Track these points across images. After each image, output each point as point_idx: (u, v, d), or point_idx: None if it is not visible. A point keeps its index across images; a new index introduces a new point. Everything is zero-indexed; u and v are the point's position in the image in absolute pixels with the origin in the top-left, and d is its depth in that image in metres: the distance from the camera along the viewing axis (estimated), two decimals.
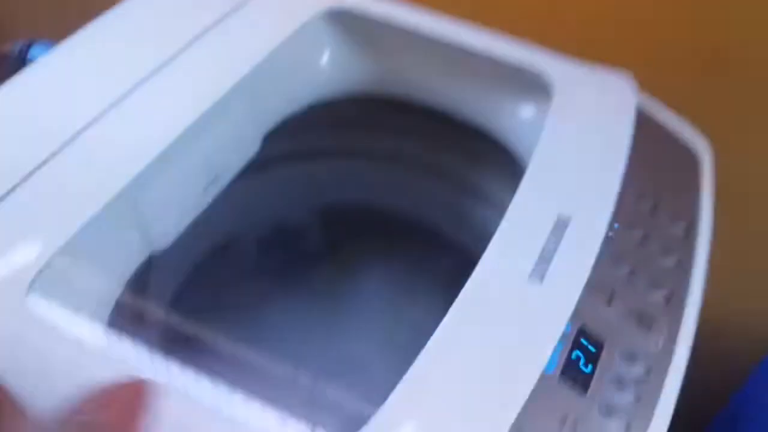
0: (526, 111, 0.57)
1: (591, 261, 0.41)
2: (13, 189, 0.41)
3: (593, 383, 0.39)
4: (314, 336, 0.62)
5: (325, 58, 0.60)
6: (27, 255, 0.38)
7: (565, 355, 0.39)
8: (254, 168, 0.57)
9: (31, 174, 0.42)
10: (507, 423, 0.33)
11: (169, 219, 0.49)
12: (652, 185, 0.52)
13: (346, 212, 0.70)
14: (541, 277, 0.40)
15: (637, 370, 0.41)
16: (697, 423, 0.90)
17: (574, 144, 0.50)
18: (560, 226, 0.43)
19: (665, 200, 0.52)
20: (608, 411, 0.38)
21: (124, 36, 0.53)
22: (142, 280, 0.50)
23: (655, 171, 0.54)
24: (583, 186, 0.47)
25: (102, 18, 0.54)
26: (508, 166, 0.63)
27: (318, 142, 0.67)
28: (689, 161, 0.57)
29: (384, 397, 0.34)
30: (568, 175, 0.47)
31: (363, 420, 0.34)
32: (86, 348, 0.37)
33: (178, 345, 0.46)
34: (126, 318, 0.46)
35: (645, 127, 0.55)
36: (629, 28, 0.78)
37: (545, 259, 0.41)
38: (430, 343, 0.36)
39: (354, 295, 0.65)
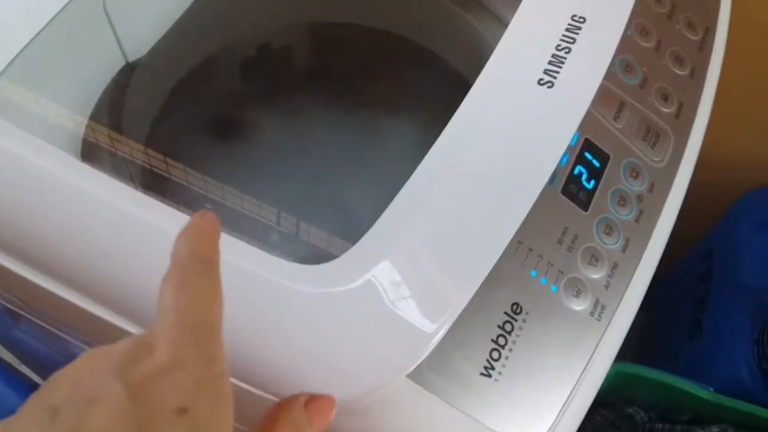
0: None
1: (603, 70, 0.38)
2: None
3: (594, 200, 0.37)
4: (303, 161, 0.60)
5: None
6: None
7: (568, 170, 0.37)
8: None
9: None
10: (508, 235, 0.32)
11: (143, 24, 0.44)
12: None
13: (332, 27, 0.65)
14: (551, 83, 0.37)
15: (639, 186, 0.40)
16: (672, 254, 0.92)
17: None
18: (573, 28, 0.39)
19: (683, 3, 0.48)
20: (608, 228, 0.37)
21: None
22: (118, 92, 0.47)
23: None
24: None
25: None
26: None
27: None
28: None
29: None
30: None
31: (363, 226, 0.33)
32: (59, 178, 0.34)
33: (154, 173, 0.43)
34: (100, 138, 0.43)
35: None
36: None
37: (556, 63, 0.38)
38: (433, 149, 0.34)
39: (344, 115, 0.62)
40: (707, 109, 0.45)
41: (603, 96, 0.40)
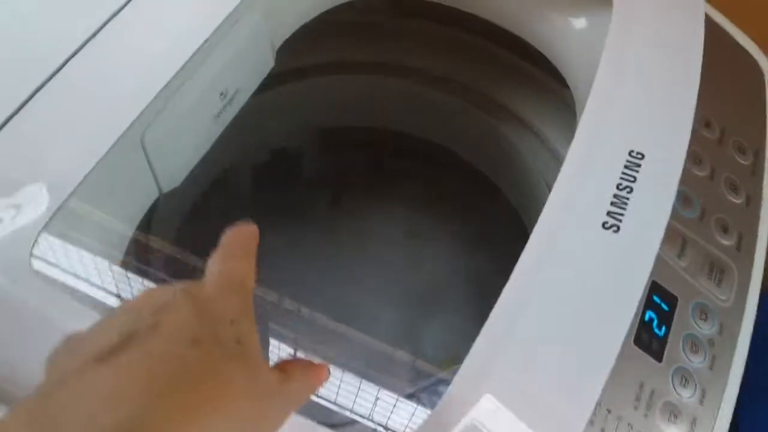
0: (578, 18, 0.50)
1: (668, 210, 0.37)
2: (7, 121, 0.35)
3: (667, 349, 0.35)
4: (329, 276, 0.58)
5: None
6: (37, 201, 0.33)
7: (638, 318, 0.35)
8: (263, 85, 0.50)
9: (25, 102, 0.36)
10: (593, 397, 0.30)
11: (179, 156, 0.43)
12: (718, 107, 0.47)
13: (362, 134, 0.64)
14: (617, 227, 0.35)
15: (709, 329, 0.37)
16: None
17: (642, 63, 0.44)
18: (632, 165, 0.38)
19: (731, 126, 0.47)
20: (683, 380, 0.35)
21: None
22: (149, 217, 0.45)
23: (720, 91, 0.48)
24: (654, 115, 0.41)
25: None
26: (550, 84, 0.57)
27: (334, 54, 0.59)
28: (755, 80, 0.51)
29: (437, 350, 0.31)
30: (638, 101, 0.42)
31: (430, 382, 0.31)
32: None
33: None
34: (140, 261, 0.41)
35: (710, 38, 0.49)
36: None
37: (619, 204, 0.36)
38: (502, 301, 0.32)
39: (374, 228, 0.61)
40: (765, 239, 0.43)
41: (666, 234, 0.38)
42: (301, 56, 0.57)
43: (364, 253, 0.60)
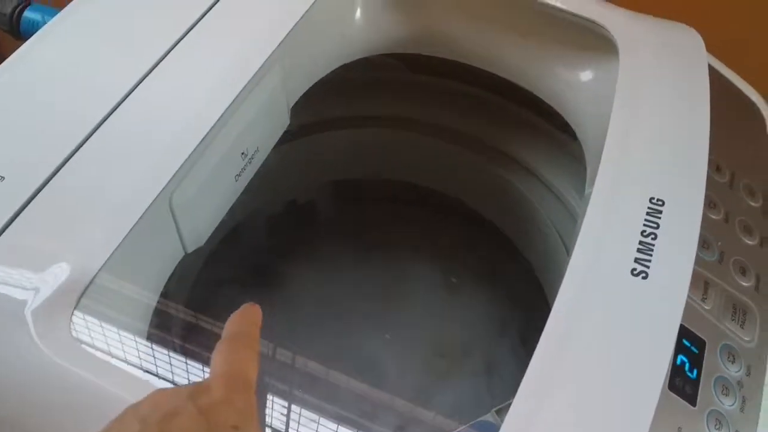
0: (586, 70, 0.52)
1: (693, 253, 0.37)
2: (36, 193, 0.36)
3: (700, 392, 0.36)
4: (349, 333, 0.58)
5: (357, 14, 0.53)
6: (70, 274, 0.33)
7: (671, 362, 0.36)
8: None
9: (53, 175, 0.36)
10: None
11: (204, 217, 0.43)
12: (726, 152, 0.48)
13: (375, 186, 0.65)
14: (645, 274, 0.36)
15: (737, 371, 0.38)
16: None
17: (652, 111, 0.45)
18: (654, 212, 0.39)
19: (740, 170, 0.48)
20: (717, 423, 0.35)
21: (132, 2, 0.46)
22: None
23: (726, 134, 0.49)
24: (670, 162, 0.42)
25: None
26: (559, 138, 0.58)
27: (343, 110, 0.61)
28: (757, 123, 0.53)
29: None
30: (652, 149, 0.43)
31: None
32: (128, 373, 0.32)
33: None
34: (162, 329, 0.41)
35: (712, 85, 0.51)
36: None
37: (645, 251, 0.37)
38: (537, 356, 0.33)
39: (387, 278, 0.61)
40: None
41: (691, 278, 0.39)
42: (313, 112, 0.58)
43: (381, 304, 0.60)
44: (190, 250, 0.44)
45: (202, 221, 0.44)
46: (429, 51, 0.56)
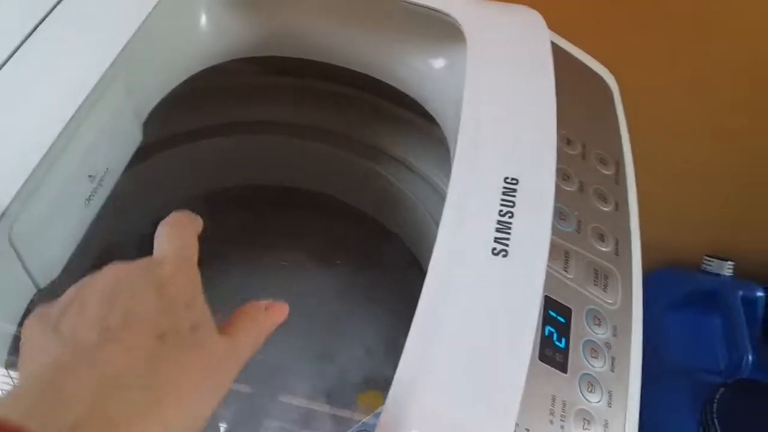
0: (436, 58, 0.53)
1: (548, 227, 0.39)
2: None
3: (570, 359, 0.37)
4: None
5: (203, 21, 0.52)
6: None
7: (539, 333, 0.37)
8: (133, 159, 0.49)
9: None
10: (512, 420, 0.30)
11: (53, 248, 0.41)
12: (576, 125, 0.50)
13: (242, 193, 0.63)
14: (505, 252, 0.37)
15: (604, 333, 0.40)
16: None
17: (501, 93, 0.46)
18: (509, 191, 0.40)
19: (591, 141, 0.50)
20: (590, 386, 0.37)
21: None
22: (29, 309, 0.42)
23: (575, 108, 0.52)
24: (521, 140, 0.43)
25: None
26: (422, 125, 0.59)
27: (201, 119, 0.59)
28: (604, 95, 0.55)
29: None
30: (504, 130, 0.44)
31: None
32: None
33: None
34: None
35: (558, 62, 0.52)
36: None
37: (504, 230, 0.38)
38: (411, 339, 0.33)
39: (270, 283, 0.60)
40: (638, 240, 0.46)
41: (550, 250, 0.40)
42: (169, 125, 0.56)
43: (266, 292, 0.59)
44: (43, 284, 0.41)
45: (51, 252, 0.41)
46: (281, 52, 0.55)
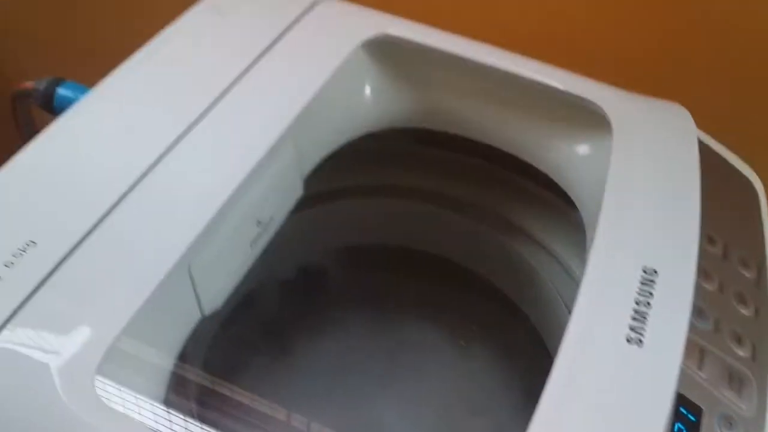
0: (582, 145, 0.55)
1: (686, 321, 0.39)
2: (65, 258, 0.38)
3: None
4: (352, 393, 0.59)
5: (367, 92, 0.57)
6: (91, 339, 0.35)
7: (667, 430, 0.37)
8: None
9: (81, 242, 0.39)
10: None
11: (221, 282, 0.46)
12: (719, 225, 0.50)
13: (386, 254, 0.67)
14: (639, 341, 0.37)
15: None
16: None
17: (645, 184, 0.48)
18: (647, 281, 0.41)
19: (733, 242, 0.50)
20: None
21: (159, 81, 0.50)
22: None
23: (719, 207, 0.52)
24: (662, 233, 0.44)
25: (133, 61, 0.51)
26: (560, 207, 0.61)
27: (354, 180, 0.64)
28: (749, 196, 0.55)
29: None
30: (645, 221, 0.45)
31: None
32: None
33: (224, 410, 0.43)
34: (182, 390, 0.43)
35: (704, 159, 0.53)
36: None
37: (640, 319, 0.39)
38: (536, 424, 0.34)
39: (394, 343, 0.63)
40: None
41: (686, 346, 0.40)
42: (325, 182, 0.61)
43: (392, 370, 0.61)
44: (207, 313, 0.46)
45: (218, 286, 0.46)
46: (432, 125, 0.59)
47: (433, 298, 0.65)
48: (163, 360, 0.41)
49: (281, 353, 0.63)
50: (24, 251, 0.38)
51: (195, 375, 0.46)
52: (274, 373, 0.60)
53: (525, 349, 0.59)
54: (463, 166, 0.63)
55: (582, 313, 0.39)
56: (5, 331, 0.35)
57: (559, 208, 0.61)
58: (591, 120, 0.53)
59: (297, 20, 0.54)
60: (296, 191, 0.53)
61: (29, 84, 0.56)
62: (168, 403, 0.40)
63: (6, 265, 0.38)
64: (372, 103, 0.57)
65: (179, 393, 0.42)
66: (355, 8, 0.58)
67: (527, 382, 0.59)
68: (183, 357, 0.46)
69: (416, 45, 0.54)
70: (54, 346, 0.35)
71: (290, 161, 0.50)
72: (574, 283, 0.57)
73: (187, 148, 0.45)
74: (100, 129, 0.46)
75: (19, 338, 0.35)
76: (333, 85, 0.52)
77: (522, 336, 0.60)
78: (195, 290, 0.43)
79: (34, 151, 0.44)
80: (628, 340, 0.37)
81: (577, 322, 0.39)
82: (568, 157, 0.55)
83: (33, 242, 0.39)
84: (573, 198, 0.54)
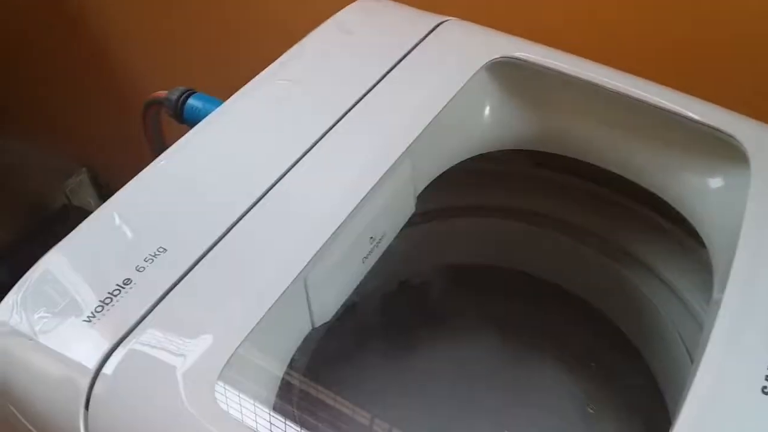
0: (715, 178, 0.52)
1: None
2: (193, 266, 0.40)
3: None
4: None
5: (486, 112, 0.56)
6: (215, 346, 0.36)
7: None
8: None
9: (208, 251, 0.41)
10: None
11: (333, 295, 0.46)
12: None
13: (491, 274, 0.66)
14: None
15: None
16: None
17: None
18: None
19: None
20: None
21: (286, 98, 0.51)
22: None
23: None
24: None
25: (262, 78, 0.53)
26: (682, 239, 0.58)
27: (464, 199, 0.63)
28: None
29: None
30: None
31: None
32: None
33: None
34: (287, 402, 0.44)
35: None
36: None
37: None
38: None
39: (492, 363, 0.61)
40: None
41: None
42: (435, 200, 0.61)
43: (486, 390, 0.60)
44: (317, 324, 0.47)
45: (330, 299, 0.46)
46: (551, 149, 0.58)
47: (549, 328, 0.63)
48: (275, 368, 0.42)
49: (383, 364, 0.63)
50: (155, 257, 0.40)
51: (306, 384, 0.47)
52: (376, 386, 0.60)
53: (645, 405, 0.56)
54: (580, 191, 0.61)
55: (711, 359, 0.37)
56: (135, 333, 0.37)
57: (682, 243, 0.58)
58: (726, 152, 0.50)
59: (422, 40, 0.55)
60: (409, 209, 0.53)
61: (162, 93, 0.59)
62: (276, 409, 0.41)
63: (138, 269, 0.40)
64: (490, 124, 0.57)
65: (285, 399, 0.43)
66: (479, 29, 0.57)
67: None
68: (292, 365, 0.47)
69: (544, 68, 0.53)
70: (180, 350, 0.36)
71: (407, 180, 0.50)
72: (697, 325, 0.54)
73: (310, 164, 0.46)
74: (230, 143, 0.48)
75: (148, 340, 0.37)
76: (454, 106, 0.52)
77: (633, 374, 0.58)
78: (309, 303, 0.44)
79: (167, 161, 0.47)
80: (764, 391, 0.35)
81: (706, 368, 0.36)
82: (697, 190, 0.52)
83: (164, 249, 0.40)
84: (700, 232, 0.51)
